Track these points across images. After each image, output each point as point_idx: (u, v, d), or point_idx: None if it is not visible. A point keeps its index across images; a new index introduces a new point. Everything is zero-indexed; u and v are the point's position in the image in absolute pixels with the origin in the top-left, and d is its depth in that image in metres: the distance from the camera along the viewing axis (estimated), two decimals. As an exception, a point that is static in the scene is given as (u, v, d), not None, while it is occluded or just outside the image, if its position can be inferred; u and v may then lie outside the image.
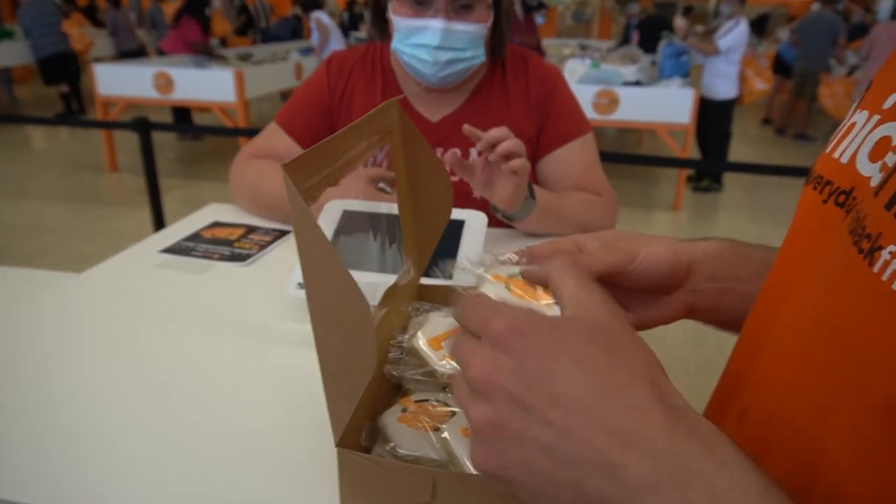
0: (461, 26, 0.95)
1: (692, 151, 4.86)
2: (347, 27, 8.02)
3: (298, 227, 0.37)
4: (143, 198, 4.63)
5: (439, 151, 1.05)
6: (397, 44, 0.99)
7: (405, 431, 0.45)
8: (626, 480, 0.28)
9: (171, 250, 0.91)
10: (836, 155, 0.38)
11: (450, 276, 0.94)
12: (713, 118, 4.83)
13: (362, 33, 8.38)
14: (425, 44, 0.95)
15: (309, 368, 0.63)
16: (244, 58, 6.32)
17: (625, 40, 7.35)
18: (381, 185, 0.96)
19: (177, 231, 1.00)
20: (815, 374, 0.32)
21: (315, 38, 6.21)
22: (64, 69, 6.82)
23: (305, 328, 0.70)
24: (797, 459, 0.32)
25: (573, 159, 1.06)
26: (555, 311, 0.38)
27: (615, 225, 1.05)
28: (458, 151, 1.04)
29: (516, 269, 0.44)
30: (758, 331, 0.41)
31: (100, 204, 4.52)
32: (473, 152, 1.04)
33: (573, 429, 0.29)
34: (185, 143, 6.12)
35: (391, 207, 0.82)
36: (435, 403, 0.48)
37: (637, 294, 0.52)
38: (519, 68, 1.09)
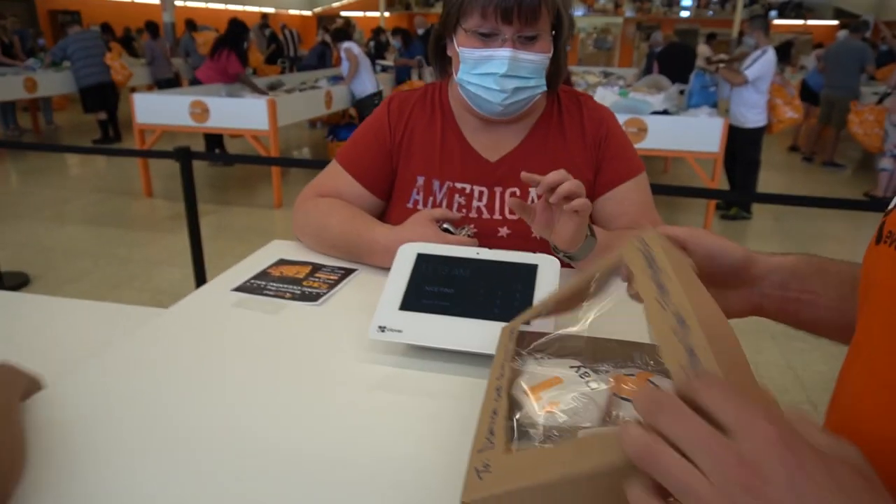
0: (527, 55, 0.98)
1: (721, 179, 4.84)
2: (374, 56, 8.21)
3: None
4: (176, 223, 4.74)
5: (498, 191, 1.07)
6: (463, 75, 1.02)
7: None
8: None
9: (243, 289, 0.94)
10: None
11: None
12: (742, 147, 4.82)
13: (389, 61, 8.55)
14: (493, 72, 0.98)
15: (387, 409, 0.65)
16: (274, 86, 6.48)
17: (648, 69, 7.40)
18: (446, 225, 0.99)
19: (244, 269, 1.03)
20: None
21: (345, 67, 6.36)
22: (103, 98, 7.07)
23: (383, 370, 0.72)
24: None
25: (629, 199, 1.08)
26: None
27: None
28: (517, 191, 1.07)
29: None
30: (854, 378, 0.45)
31: (134, 229, 4.62)
32: (533, 192, 1.06)
33: None
34: (217, 168, 6.26)
35: (467, 251, 0.84)
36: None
37: (708, 283, 0.52)
38: (574, 109, 1.12)
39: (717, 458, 0.29)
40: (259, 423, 0.62)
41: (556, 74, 1.06)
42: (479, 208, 1.07)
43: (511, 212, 1.06)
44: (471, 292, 0.77)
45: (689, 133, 4.31)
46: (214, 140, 6.19)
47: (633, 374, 0.58)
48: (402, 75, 7.93)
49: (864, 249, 0.50)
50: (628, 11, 19.49)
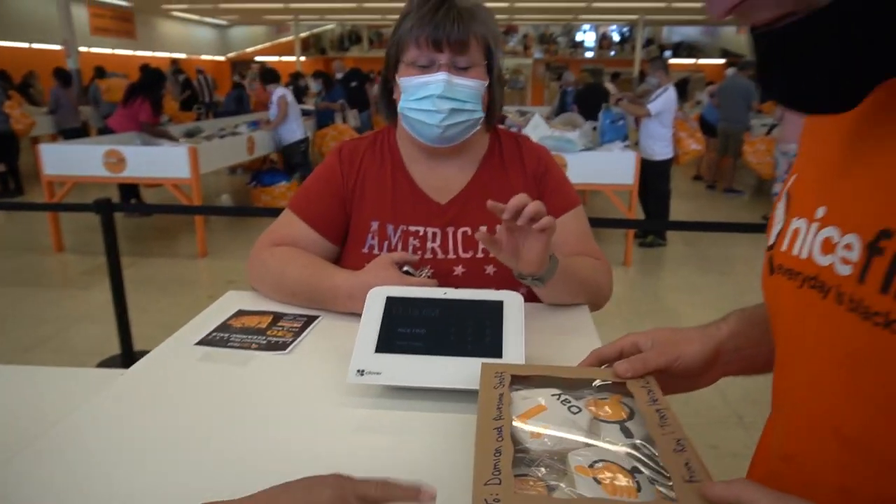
0: (461, 80, 1.04)
1: (638, 209, 5.14)
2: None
3: None
4: (92, 278, 4.49)
5: (450, 231, 1.12)
6: (404, 104, 1.07)
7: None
8: None
9: (206, 342, 0.93)
10: (794, 252, 0.52)
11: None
12: (652, 178, 5.15)
13: (309, 105, 8.55)
14: (430, 95, 1.04)
15: (373, 449, 0.66)
16: (192, 133, 6.34)
17: (562, 107, 7.80)
18: (406, 267, 1.02)
19: (202, 322, 1.02)
20: (853, 417, 0.45)
21: (273, 112, 6.34)
22: (3, 149, 6.66)
23: (363, 413, 0.74)
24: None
25: (569, 229, 1.15)
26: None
27: (613, 284, 1.15)
28: (469, 230, 1.12)
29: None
30: (786, 390, 0.55)
31: (46, 286, 4.35)
32: (482, 229, 1.11)
33: None
34: (133, 220, 6.00)
35: (434, 292, 0.88)
36: (531, 480, 0.52)
37: (679, 376, 0.68)
38: (513, 148, 1.19)
39: None
40: (246, 475, 0.62)
41: (493, 109, 1.13)
42: (433, 249, 1.11)
43: (464, 250, 1.11)
44: (442, 331, 0.80)
45: (605, 167, 4.57)
46: (129, 190, 5.95)
47: (606, 398, 0.63)
48: (323, 119, 7.83)
49: None
50: (537, 53, 20.53)
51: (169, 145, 5.00)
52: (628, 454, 0.54)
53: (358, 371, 0.76)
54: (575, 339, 0.94)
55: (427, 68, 1.04)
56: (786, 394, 0.55)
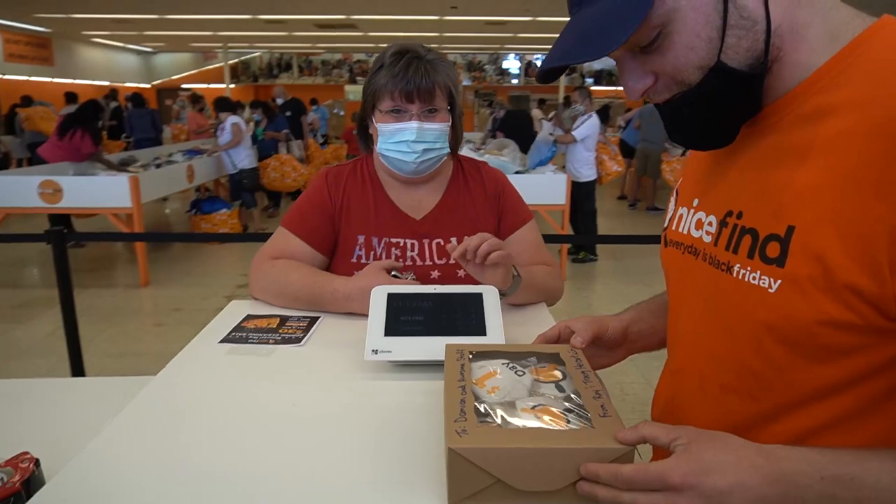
0: (430, 125, 1.26)
1: (569, 228, 5.50)
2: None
3: None
4: (24, 312, 4.38)
5: (426, 242, 1.32)
6: (382, 145, 1.27)
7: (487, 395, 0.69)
8: (771, 500, 0.55)
9: (229, 340, 1.08)
10: (679, 230, 0.79)
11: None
12: (579, 198, 5.54)
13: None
14: (405, 140, 1.25)
15: (389, 405, 0.84)
16: (127, 163, 6.27)
17: (493, 132, 8.18)
18: (394, 272, 1.21)
19: (214, 329, 1.16)
20: (710, 336, 0.71)
21: (225, 139, 6.36)
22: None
23: (384, 383, 0.92)
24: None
25: (526, 241, 1.38)
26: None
27: (563, 287, 1.37)
28: (441, 241, 1.33)
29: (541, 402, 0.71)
30: (674, 328, 0.82)
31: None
32: (453, 241, 1.31)
33: (738, 497, 0.55)
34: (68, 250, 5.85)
35: (426, 287, 1.08)
36: (489, 423, 0.71)
37: (600, 350, 0.92)
38: (474, 172, 1.41)
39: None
40: (293, 439, 0.80)
41: (456, 140, 1.35)
42: (412, 258, 1.31)
43: (439, 258, 1.32)
44: (437, 317, 1.00)
45: (539, 188, 4.90)
46: (59, 222, 5.81)
47: (544, 366, 0.82)
48: (265, 150, 7.56)
49: None
50: (465, 80, 21.14)
51: (107, 174, 4.96)
52: (561, 401, 0.72)
53: (373, 350, 0.94)
54: (535, 328, 1.16)
55: (400, 114, 1.25)
56: (673, 344, 0.82)
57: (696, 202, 0.76)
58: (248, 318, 1.20)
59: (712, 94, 0.63)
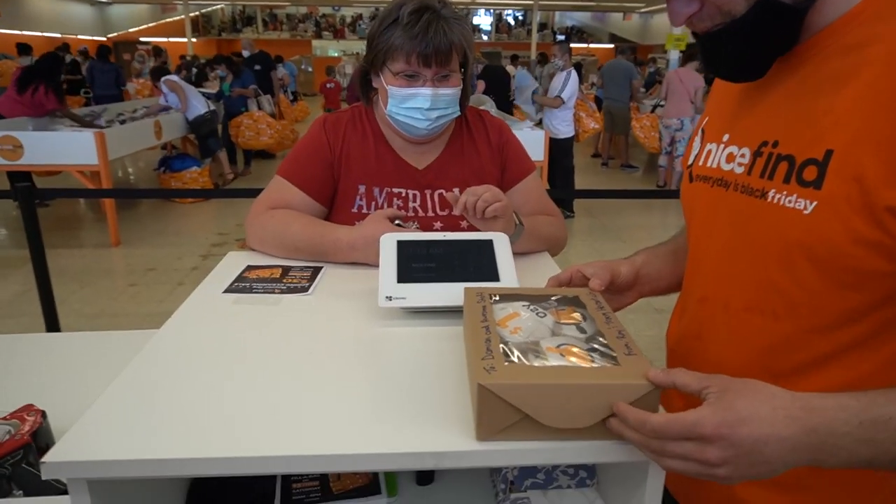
0: (444, 90, 1.22)
1: (547, 184, 5.50)
2: (194, 83, 7.81)
3: None
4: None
5: (428, 193, 1.30)
6: (392, 108, 1.23)
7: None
8: (807, 450, 0.56)
9: (233, 290, 1.06)
10: (708, 164, 0.80)
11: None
12: (557, 155, 5.54)
13: (209, 89, 8.19)
14: (418, 107, 1.21)
15: (417, 355, 0.84)
16: (90, 119, 6.03)
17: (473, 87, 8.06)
18: (397, 221, 1.19)
19: (214, 281, 1.11)
20: (738, 261, 0.73)
21: (172, 99, 6.17)
22: None
23: (399, 330, 0.91)
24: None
25: (529, 190, 1.37)
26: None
27: (567, 236, 1.37)
28: (444, 192, 1.31)
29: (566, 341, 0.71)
30: (697, 261, 0.83)
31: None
32: (455, 192, 1.30)
33: (772, 449, 0.56)
34: (29, 211, 5.64)
35: (436, 234, 1.06)
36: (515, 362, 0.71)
37: (612, 293, 0.92)
38: (478, 122, 1.39)
39: (697, 452, 0.56)
40: (315, 375, 0.79)
41: (465, 99, 1.32)
42: (414, 209, 1.29)
43: (441, 209, 1.30)
44: (449, 264, 0.99)
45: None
46: (21, 180, 5.58)
47: (564, 308, 0.83)
48: (234, 107, 7.33)
49: (661, 235, 0.87)
50: (436, 36, 20.64)
51: (72, 130, 4.76)
52: (583, 341, 0.72)
53: (387, 297, 0.93)
54: (541, 276, 1.16)
55: (413, 78, 1.20)
56: (693, 276, 0.83)
57: (726, 137, 0.77)
58: (249, 268, 1.17)
59: (755, 26, 0.64)
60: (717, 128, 0.81)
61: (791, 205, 0.64)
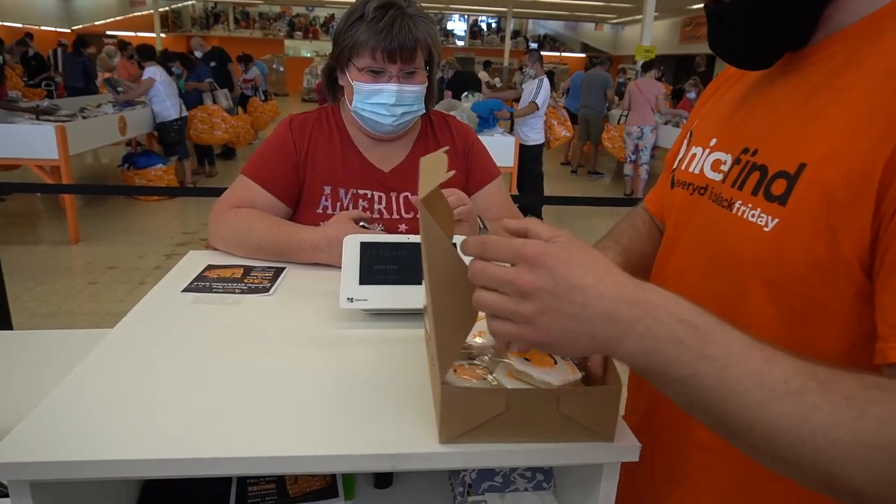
0: (409, 87, 1.22)
1: (516, 191, 5.55)
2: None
3: (427, 231, 0.57)
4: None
5: (394, 196, 1.30)
6: (358, 104, 1.23)
7: (465, 380, 0.69)
8: (621, 320, 0.49)
9: (192, 290, 1.04)
10: (690, 170, 0.77)
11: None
12: (526, 161, 5.59)
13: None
14: (383, 102, 1.21)
15: (377, 357, 0.83)
16: (49, 112, 5.86)
17: (440, 94, 8.08)
18: (362, 223, 1.19)
19: (172, 280, 1.09)
20: (698, 275, 0.70)
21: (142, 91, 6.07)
22: None
23: (360, 332, 0.90)
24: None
25: (494, 195, 1.38)
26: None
27: None
28: (409, 195, 1.31)
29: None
30: (662, 268, 0.81)
31: None
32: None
33: (588, 302, 0.49)
34: (-16, 205, 5.46)
35: (400, 237, 1.06)
36: (466, 366, 0.71)
37: None
38: (444, 127, 1.39)
39: (508, 281, 0.51)
40: (266, 389, 0.78)
41: (430, 99, 1.32)
42: (380, 210, 1.29)
43: (406, 212, 1.30)
44: (411, 266, 0.99)
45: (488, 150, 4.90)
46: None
47: None
48: (191, 102, 7.21)
49: None
50: (410, 40, 20.66)
51: (31, 123, 4.62)
52: None
53: (348, 299, 0.92)
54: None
55: (378, 74, 1.21)
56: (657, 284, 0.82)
57: (713, 141, 0.74)
58: (210, 268, 1.15)
59: (775, 2, 0.61)
60: (705, 131, 0.77)
61: (753, 219, 0.61)
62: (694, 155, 0.77)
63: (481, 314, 0.73)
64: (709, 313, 0.51)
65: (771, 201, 0.60)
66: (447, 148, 0.71)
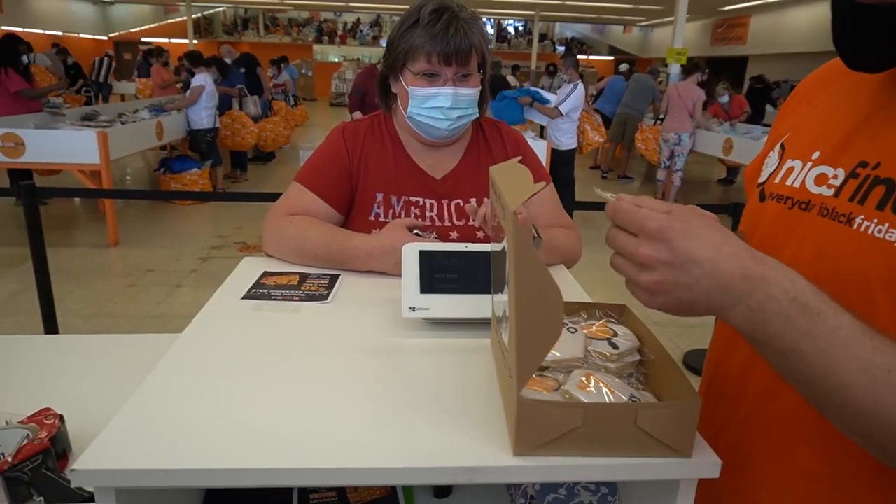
0: (464, 90, 1.22)
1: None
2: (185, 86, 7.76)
3: (518, 243, 0.57)
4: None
5: (445, 203, 1.30)
6: (413, 109, 1.24)
7: (535, 392, 0.68)
8: (734, 292, 0.53)
9: (252, 297, 1.05)
10: (787, 182, 0.72)
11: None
12: (558, 166, 5.56)
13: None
14: (439, 106, 1.21)
15: (442, 366, 0.83)
16: (90, 118, 6.00)
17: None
18: (416, 231, 1.19)
19: (231, 287, 1.10)
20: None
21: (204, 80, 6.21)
22: None
23: (421, 341, 0.90)
24: None
25: (545, 202, 1.37)
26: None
27: (582, 248, 1.37)
28: (461, 202, 1.30)
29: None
30: None
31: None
32: (472, 202, 1.30)
33: (704, 273, 0.53)
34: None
35: (457, 245, 1.06)
36: (536, 377, 0.71)
37: None
38: (495, 133, 1.39)
39: (631, 251, 0.56)
40: (338, 385, 0.78)
41: (483, 102, 1.32)
42: (431, 218, 1.29)
43: (458, 219, 1.30)
44: (472, 275, 0.98)
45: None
46: (20, 178, 5.56)
47: (593, 324, 0.82)
48: (221, 107, 7.24)
49: None
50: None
51: (73, 129, 4.74)
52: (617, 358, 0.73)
53: (410, 308, 0.92)
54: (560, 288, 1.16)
55: (433, 77, 1.21)
56: None
57: (816, 154, 0.69)
58: (266, 274, 1.16)
59: None
60: (803, 143, 0.72)
61: (881, 234, 0.58)
62: (791, 168, 0.72)
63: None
64: (824, 294, 0.53)
65: None
66: (520, 157, 0.70)
